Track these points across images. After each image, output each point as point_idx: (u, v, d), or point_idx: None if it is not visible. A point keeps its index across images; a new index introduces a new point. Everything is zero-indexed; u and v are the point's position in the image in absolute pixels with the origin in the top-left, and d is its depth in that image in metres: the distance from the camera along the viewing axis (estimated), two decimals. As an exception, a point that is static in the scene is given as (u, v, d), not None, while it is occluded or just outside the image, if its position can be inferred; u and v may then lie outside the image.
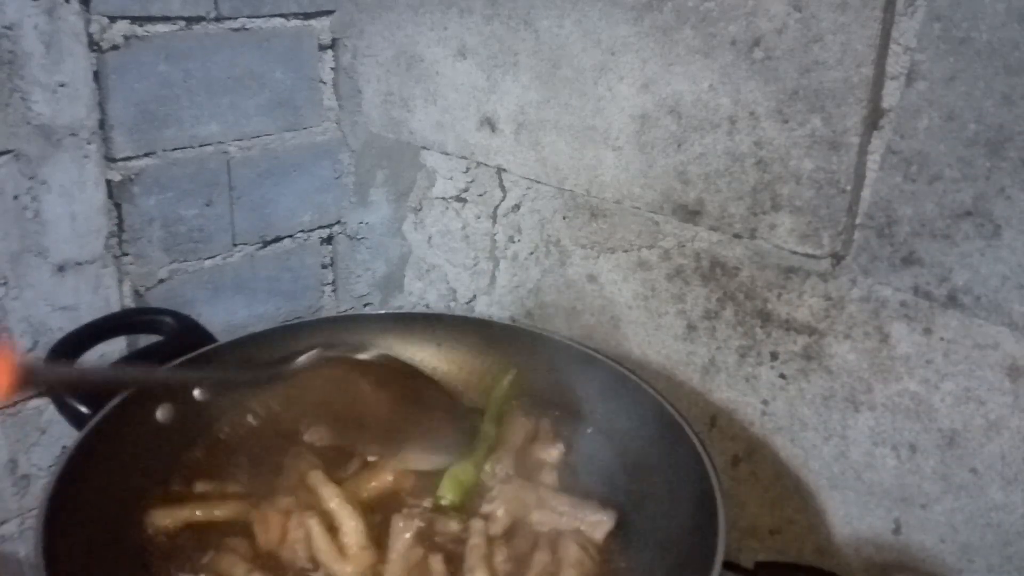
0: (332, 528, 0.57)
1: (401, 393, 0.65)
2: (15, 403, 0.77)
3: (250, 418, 0.69)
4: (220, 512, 0.60)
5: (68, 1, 0.70)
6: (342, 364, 0.63)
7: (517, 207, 0.83)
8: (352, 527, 0.57)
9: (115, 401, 0.59)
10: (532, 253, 0.83)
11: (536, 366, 0.73)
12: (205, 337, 0.70)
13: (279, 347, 0.72)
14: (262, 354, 0.70)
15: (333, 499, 0.59)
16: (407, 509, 0.60)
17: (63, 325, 0.76)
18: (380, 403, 0.64)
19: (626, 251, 0.75)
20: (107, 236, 0.78)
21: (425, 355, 0.76)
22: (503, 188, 0.83)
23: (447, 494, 0.61)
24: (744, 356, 0.69)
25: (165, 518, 0.58)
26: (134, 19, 0.76)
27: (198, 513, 0.59)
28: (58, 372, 0.56)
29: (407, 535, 0.57)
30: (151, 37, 0.78)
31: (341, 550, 0.56)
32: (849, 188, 0.59)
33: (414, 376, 0.67)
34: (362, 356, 0.64)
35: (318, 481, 0.60)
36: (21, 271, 0.73)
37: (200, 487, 0.62)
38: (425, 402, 0.66)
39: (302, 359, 0.62)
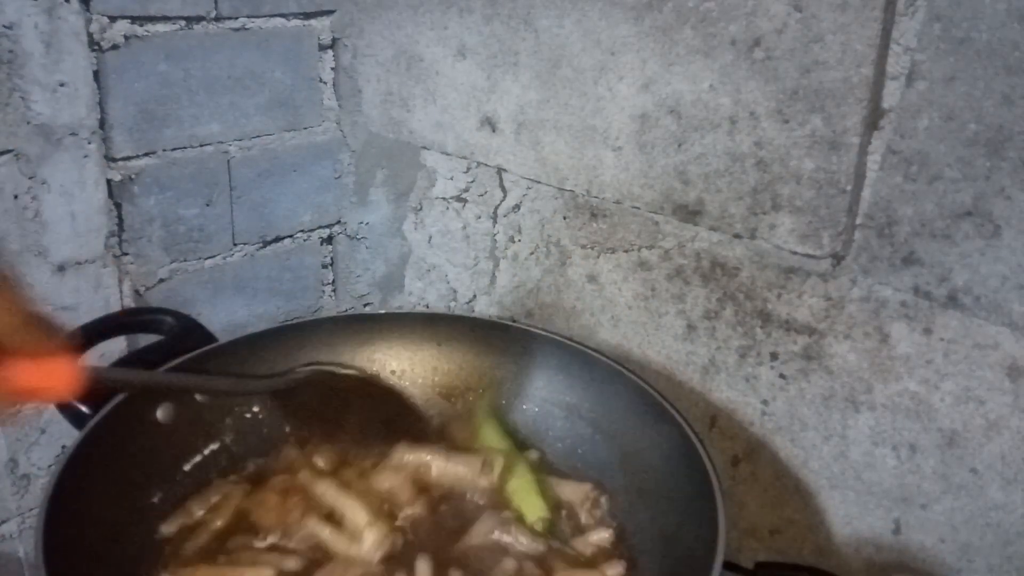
0: (333, 518, 0.59)
1: (378, 407, 0.72)
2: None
3: (248, 415, 0.69)
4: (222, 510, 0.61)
5: (68, 1, 0.70)
6: (330, 377, 0.70)
7: (517, 207, 0.83)
8: (351, 508, 0.58)
9: (115, 401, 0.59)
10: (532, 253, 0.83)
11: (536, 366, 0.73)
12: (205, 337, 0.69)
13: (279, 347, 0.72)
14: (261, 353, 0.71)
15: (324, 487, 0.60)
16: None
17: (63, 325, 0.76)
18: (361, 412, 0.70)
19: (626, 251, 0.75)
20: (107, 236, 0.78)
21: (425, 355, 0.76)
22: (503, 188, 0.83)
23: (540, 514, 0.63)
24: (744, 356, 0.69)
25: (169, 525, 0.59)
26: (134, 19, 0.76)
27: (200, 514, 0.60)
28: (116, 375, 0.59)
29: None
30: (151, 37, 0.78)
31: (351, 535, 0.57)
32: (849, 188, 0.59)
33: (392, 395, 0.73)
34: (348, 371, 0.71)
35: (307, 480, 0.62)
36: (21, 270, 0.73)
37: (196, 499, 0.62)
38: (398, 421, 0.71)
39: (296, 372, 0.68)
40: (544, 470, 0.68)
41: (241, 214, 0.90)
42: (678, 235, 0.71)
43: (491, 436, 0.70)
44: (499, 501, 0.64)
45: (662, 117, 0.67)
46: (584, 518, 0.64)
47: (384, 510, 0.61)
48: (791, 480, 0.68)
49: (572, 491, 0.65)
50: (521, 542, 0.60)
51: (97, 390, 0.49)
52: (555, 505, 0.64)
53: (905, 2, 0.54)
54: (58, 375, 0.45)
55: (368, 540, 0.57)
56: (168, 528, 0.59)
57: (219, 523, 0.60)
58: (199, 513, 0.61)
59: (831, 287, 0.63)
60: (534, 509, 0.63)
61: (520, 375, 0.73)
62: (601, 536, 0.62)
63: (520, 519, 0.62)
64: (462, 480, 0.64)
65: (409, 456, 0.65)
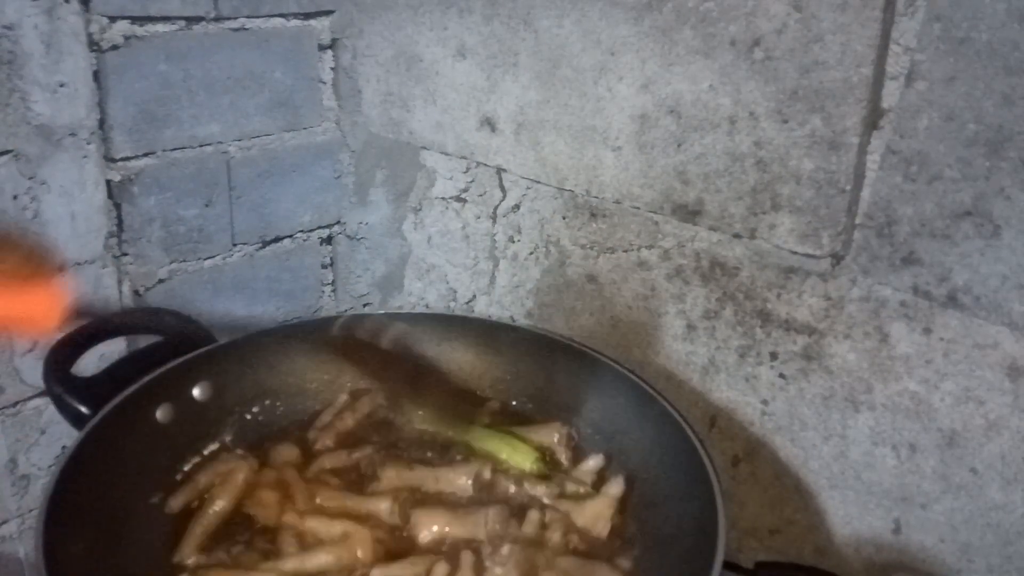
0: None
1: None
2: (15, 403, 0.77)
3: (248, 416, 0.69)
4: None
5: (68, 1, 0.70)
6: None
7: (517, 207, 0.83)
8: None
9: (115, 401, 0.59)
10: (532, 253, 0.83)
11: (536, 366, 0.73)
12: (205, 337, 0.70)
13: (279, 347, 0.72)
14: (261, 353, 0.71)
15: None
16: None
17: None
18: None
19: (626, 251, 0.75)
20: (107, 236, 0.78)
21: (425, 355, 0.76)
22: (503, 188, 0.83)
23: (533, 455, 0.65)
24: (744, 356, 0.69)
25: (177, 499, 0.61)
26: (134, 19, 0.76)
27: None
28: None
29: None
30: (151, 37, 0.78)
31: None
32: (849, 188, 0.59)
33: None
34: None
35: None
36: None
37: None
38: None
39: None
40: (507, 419, 0.71)
41: (241, 214, 0.90)
42: (678, 235, 0.71)
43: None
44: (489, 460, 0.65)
45: (662, 117, 0.67)
46: (564, 455, 0.67)
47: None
48: (791, 480, 0.68)
49: (543, 434, 0.68)
50: (538, 491, 0.62)
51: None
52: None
53: (905, 2, 0.54)
54: (37, 305, 0.41)
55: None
56: (176, 502, 0.61)
57: (222, 504, 0.60)
58: (203, 483, 0.62)
59: (831, 287, 0.63)
60: (525, 455, 0.65)
61: (519, 375, 0.73)
62: (596, 461, 0.65)
63: (520, 471, 0.64)
64: (456, 488, 0.64)
65: (398, 480, 0.64)
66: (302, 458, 0.67)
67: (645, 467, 0.63)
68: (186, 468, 0.64)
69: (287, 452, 0.67)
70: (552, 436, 0.67)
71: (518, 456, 0.65)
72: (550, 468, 0.65)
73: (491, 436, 0.68)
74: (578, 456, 0.67)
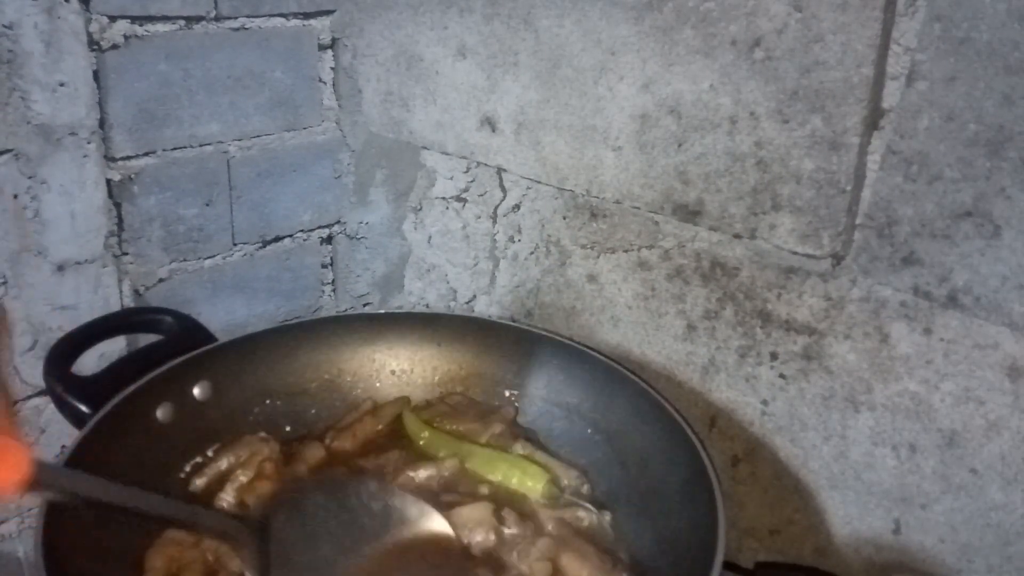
0: None
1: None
2: (15, 402, 0.77)
3: (250, 418, 0.69)
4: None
5: (68, 0, 0.70)
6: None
7: (517, 207, 0.83)
8: None
9: (115, 400, 0.59)
10: (532, 253, 0.83)
11: (536, 366, 0.73)
12: (205, 337, 0.69)
13: (278, 347, 0.72)
14: (260, 353, 0.71)
15: None
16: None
17: (63, 324, 0.76)
18: None
19: (626, 251, 0.75)
20: (107, 235, 0.78)
21: (425, 355, 0.76)
22: (503, 188, 0.83)
23: (545, 478, 0.63)
24: (744, 356, 0.69)
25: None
26: (134, 19, 0.76)
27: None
28: (73, 479, 0.44)
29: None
30: (151, 37, 0.78)
31: None
32: (849, 188, 0.59)
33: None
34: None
35: None
36: (21, 270, 0.73)
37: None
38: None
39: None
40: (519, 431, 0.69)
41: (241, 214, 0.90)
42: (678, 235, 0.71)
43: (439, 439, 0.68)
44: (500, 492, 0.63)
45: (662, 117, 0.67)
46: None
47: None
48: (791, 480, 0.68)
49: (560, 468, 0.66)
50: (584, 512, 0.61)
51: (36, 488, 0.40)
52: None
53: (905, 2, 0.55)
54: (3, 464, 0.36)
55: None
56: (200, 481, 0.62)
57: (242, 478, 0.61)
58: (224, 466, 0.62)
59: (831, 287, 0.63)
60: (536, 477, 0.63)
61: (520, 375, 0.73)
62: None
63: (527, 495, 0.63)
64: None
65: None
66: (327, 460, 0.65)
67: (645, 467, 0.63)
68: (187, 468, 0.64)
69: (313, 452, 0.66)
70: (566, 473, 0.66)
71: (528, 480, 0.63)
72: (557, 492, 0.64)
73: (499, 460, 0.65)
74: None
